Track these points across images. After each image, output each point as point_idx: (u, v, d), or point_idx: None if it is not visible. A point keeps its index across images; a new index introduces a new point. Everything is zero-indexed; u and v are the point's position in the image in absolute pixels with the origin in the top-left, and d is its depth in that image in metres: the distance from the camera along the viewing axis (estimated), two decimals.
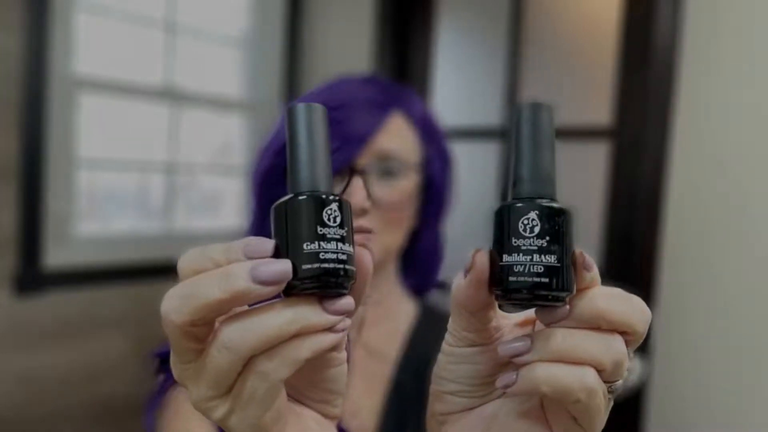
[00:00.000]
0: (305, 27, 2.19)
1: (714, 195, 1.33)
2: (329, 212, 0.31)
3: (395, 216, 0.64)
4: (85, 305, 1.78)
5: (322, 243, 0.30)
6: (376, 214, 0.62)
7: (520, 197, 0.33)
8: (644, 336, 0.33)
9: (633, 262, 1.44)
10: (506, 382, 0.32)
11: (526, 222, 0.31)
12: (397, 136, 0.64)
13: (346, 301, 0.31)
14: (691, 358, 1.36)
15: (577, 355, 0.31)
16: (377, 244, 0.62)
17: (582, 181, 1.58)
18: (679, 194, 1.38)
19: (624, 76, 1.48)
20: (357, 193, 0.60)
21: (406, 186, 0.64)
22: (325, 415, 0.37)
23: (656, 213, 1.41)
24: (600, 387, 0.32)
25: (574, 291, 0.32)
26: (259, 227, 0.63)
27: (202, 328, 0.30)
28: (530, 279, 0.31)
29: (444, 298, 0.62)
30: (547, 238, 0.31)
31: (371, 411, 0.65)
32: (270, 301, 0.30)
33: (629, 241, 1.45)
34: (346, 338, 0.34)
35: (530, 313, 0.36)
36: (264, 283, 0.29)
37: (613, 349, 0.31)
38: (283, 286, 0.29)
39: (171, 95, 1.99)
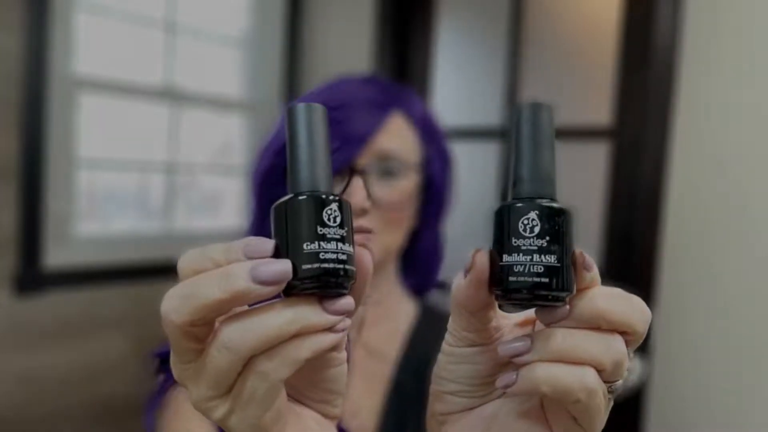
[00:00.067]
0: (305, 27, 2.19)
1: (714, 195, 1.33)
2: (329, 212, 0.31)
3: (395, 216, 0.64)
4: (85, 305, 1.78)
5: (322, 243, 0.30)
6: (376, 214, 0.62)
7: (520, 197, 0.32)
8: (644, 336, 0.33)
9: (633, 262, 1.44)
10: (506, 382, 0.32)
11: (526, 222, 0.31)
12: (397, 136, 0.64)
13: (346, 301, 0.31)
14: (691, 358, 1.36)
15: (577, 355, 0.31)
16: (377, 244, 0.62)
17: (582, 181, 1.58)
18: (679, 194, 1.38)
19: (624, 76, 1.48)
20: (357, 193, 0.60)
21: (406, 186, 0.64)
22: (325, 415, 0.37)
23: (656, 213, 1.41)
24: (600, 387, 0.32)
25: (574, 291, 0.32)
26: (259, 227, 0.63)
27: (202, 328, 0.30)
28: (530, 279, 0.31)
29: (444, 298, 0.62)
30: (547, 238, 0.31)
31: (371, 411, 0.65)
32: (270, 301, 0.30)
33: (629, 241, 1.45)
34: (346, 338, 0.34)
35: (530, 313, 0.36)
36: (264, 283, 0.29)
37: (613, 349, 0.31)
38: (283, 286, 0.29)
39: (171, 95, 1.99)
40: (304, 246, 0.30)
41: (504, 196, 0.34)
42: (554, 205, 0.32)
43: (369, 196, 0.61)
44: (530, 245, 0.31)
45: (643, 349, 1.38)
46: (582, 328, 0.32)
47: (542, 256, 0.31)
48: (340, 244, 0.31)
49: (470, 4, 1.96)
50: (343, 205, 0.31)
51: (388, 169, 0.63)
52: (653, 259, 1.42)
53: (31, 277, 1.67)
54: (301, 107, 0.32)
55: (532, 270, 0.31)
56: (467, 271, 0.32)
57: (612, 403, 0.34)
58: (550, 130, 0.33)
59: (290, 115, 0.33)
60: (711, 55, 1.34)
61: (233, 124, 2.20)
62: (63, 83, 1.72)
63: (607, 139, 1.53)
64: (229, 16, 2.17)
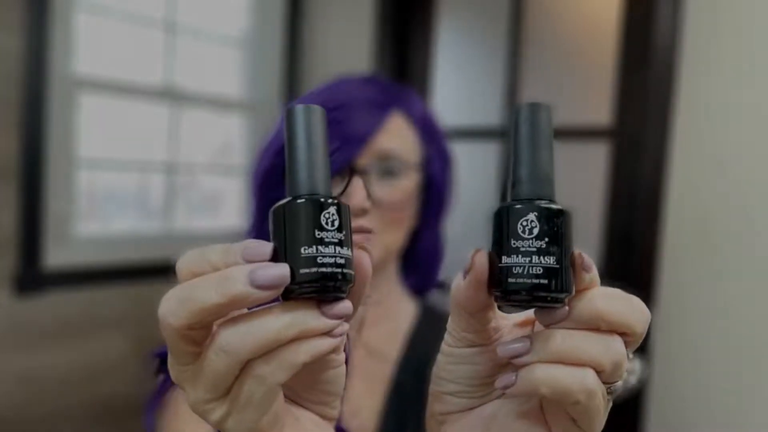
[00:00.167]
0: (305, 27, 2.19)
1: (714, 195, 1.33)
2: (327, 216, 0.31)
3: (395, 216, 0.64)
4: (85, 305, 1.78)
5: (320, 247, 0.30)
6: (377, 214, 0.62)
7: (519, 198, 0.32)
8: (643, 337, 0.33)
9: (633, 262, 1.44)
10: (505, 383, 0.32)
11: (524, 223, 0.31)
12: (397, 136, 0.64)
13: (344, 306, 0.31)
14: (691, 358, 1.36)
15: (577, 356, 0.31)
16: (377, 244, 0.62)
17: (582, 181, 1.58)
18: (679, 194, 1.38)
19: (624, 76, 1.48)
20: (357, 193, 0.59)
21: (406, 186, 0.64)
22: (323, 416, 0.37)
23: (656, 213, 1.41)
24: (599, 388, 0.32)
25: (573, 292, 0.31)
26: (259, 228, 0.63)
27: (200, 331, 0.30)
28: (529, 281, 0.31)
29: (444, 298, 0.62)
30: (546, 239, 0.31)
31: (371, 411, 0.65)
32: (268, 305, 0.30)
33: (629, 241, 1.45)
34: (345, 340, 0.34)
35: (530, 313, 0.36)
36: (262, 287, 0.28)
37: (612, 350, 0.31)
38: (281, 290, 0.29)
39: (171, 95, 1.99)
40: (302, 250, 0.30)
41: (503, 197, 0.33)
42: (553, 206, 0.32)
43: (369, 196, 0.60)
44: (529, 247, 0.31)
45: (643, 350, 1.38)
46: (581, 329, 0.32)
47: (541, 258, 0.31)
48: (338, 248, 0.30)
49: (470, 4, 1.96)
50: (341, 209, 0.31)
51: (388, 168, 0.63)
52: (653, 259, 1.42)
53: (31, 277, 1.67)
54: (299, 109, 0.32)
55: (530, 272, 0.31)
56: (466, 272, 0.32)
57: (611, 404, 0.34)
58: (549, 130, 0.33)
59: (288, 117, 0.32)
60: (711, 55, 1.34)
61: (233, 124, 2.20)
62: (63, 83, 1.72)
63: (607, 139, 1.53)
64: (229, 16, 2.17)
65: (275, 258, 0.30)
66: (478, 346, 0.35)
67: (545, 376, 0.31)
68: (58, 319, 1.73)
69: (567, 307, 0.32)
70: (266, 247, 0.30)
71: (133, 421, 1.52)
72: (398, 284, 0.72)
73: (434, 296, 0.76)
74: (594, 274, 0.32)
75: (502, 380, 0.33)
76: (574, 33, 1.69)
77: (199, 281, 0.29)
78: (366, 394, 0.66)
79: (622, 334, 0.32)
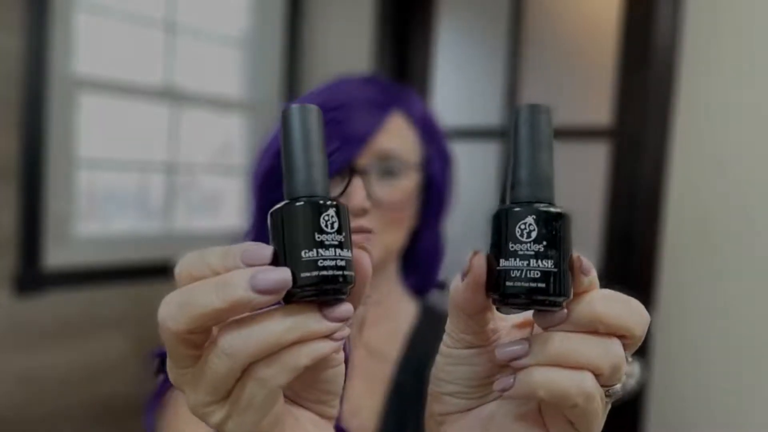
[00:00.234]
0: (305, 27, 2.19)
1: (714, 195, 1.33)
2: (326, 218, 0.30)
3: (395, 216, 0.64)
4: (85, 305, 1.78)
5: (320, 250, 0.30)
6: (377, 214, 0.62)
7: (518, 201, 0.32)
8: (642, 339, 0.33)
9: (633, 262, 1.44)
10: (503, 386, 0.32)
11: (523, 227, 0.31)
12: (397, 136, 0.64)
13: (346, 308, 0.31)
14: (691, 359, 1.36)
15: (575, 359, 0.31)
16: (377, 244, 0.62)
17: (582, 181, 1.58)
18: (679, 194, 1.38)
19: (624, 76, 1.48)
20: (357, 193, 0.59)
21: (406, 186, 0.64)
22: (322, 416, 0.37)
23: (656, 213, 1.41)
24: (597, 391, 0.32)
25: (571, 295, 0.31)
26: (259, 229, 0.63)
27: (200, 335, 0.30)
28: (526, 284, 0.30)
29: (444, 298, 0.62)
30: (544, 242, 0.31)
31: (371, 411, 0.65)
32: (269, 308, 0.30)
33: (629, 241, 1.45)
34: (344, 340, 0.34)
35: (528, 315, 0.36)
36: (263, 292, 0.28)
37: (611, 353, 0.31)
38: (282, 294, 0.29)
39: (171, 95, 1.99)
40: (302, 254, 0.30)
41: (502, 199, 0.33)
42: (551, 209, 0.31)
43: (369, 196, 0.61)
44: (527, 250, 0.31)
45: (642, 352, 1.38)
46: (580, 331, 0.32)
47: (539, 261, 0.31)
48: (338, 250, 0.30)
49: (470, 4, 1.96)
50: (340, 210, 0.31)
51: (388, 168, 0.63)
52: (653, 260, 1.41)
53: (31, 277, 1.67)
54: (295, 109, 0.32)
55: (528, 275, 0.30)
56: (464, 275, 0.32)
57: (609, 407, 0.34)
58: (549, 132, 0.33)
59: (284, 118, 0.32)
60: (711, 55, 1.34)
61: (233, 124, 2.20)
62: (63, 83, 1.72)
63: (607, 139, 1.53)
64: (229, 16, 2.17)
65: (275, 261, 0.30)
66: (476, 347, 0.35)
67: (543, 379, 0.31)
68: (58, 319, 1.73)
69: (565, 310, 0.31)
70: (266, 251, 0.30)
71: (133, 421, 1.52)
72: (398, 284, 0.72)
73: (434, 296, 0.76)
74: (593, 276, 0.32)
75: (500, 383, 0.33)
76: (574, 33, 1.69)
77: (199, 285, 0.29)
78: (366, 394, 0.66)
79: (620, 337, 0.32)
